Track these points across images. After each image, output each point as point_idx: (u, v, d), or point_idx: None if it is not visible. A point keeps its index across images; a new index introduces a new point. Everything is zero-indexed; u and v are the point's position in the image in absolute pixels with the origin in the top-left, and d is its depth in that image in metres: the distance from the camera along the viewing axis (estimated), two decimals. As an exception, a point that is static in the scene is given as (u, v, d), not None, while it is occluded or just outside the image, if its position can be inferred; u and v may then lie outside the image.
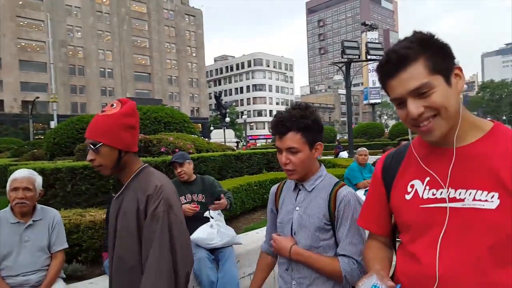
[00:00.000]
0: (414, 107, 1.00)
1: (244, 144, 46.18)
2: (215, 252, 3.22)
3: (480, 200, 0.99)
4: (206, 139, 11.89)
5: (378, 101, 53.06)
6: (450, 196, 1.04)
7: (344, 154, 14.85)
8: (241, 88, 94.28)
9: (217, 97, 35.46)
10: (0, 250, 2.43)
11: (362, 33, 52.39)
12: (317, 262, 1.52)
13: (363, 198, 1.59)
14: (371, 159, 6.74)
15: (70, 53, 57.41)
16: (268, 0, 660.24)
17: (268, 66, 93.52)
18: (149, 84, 66.58)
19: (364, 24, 48.71)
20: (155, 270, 1.39)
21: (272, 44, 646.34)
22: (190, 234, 3.14)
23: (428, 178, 1.09)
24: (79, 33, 58.61)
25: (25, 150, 16.00)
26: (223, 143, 14.97)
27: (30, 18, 53.31)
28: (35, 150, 13.21)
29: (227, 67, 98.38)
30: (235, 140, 34.10)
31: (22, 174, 2.50)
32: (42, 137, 32.43)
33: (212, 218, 3.27)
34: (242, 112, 73.36)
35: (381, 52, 16.94)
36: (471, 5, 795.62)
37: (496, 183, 0.98)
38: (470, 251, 0.99)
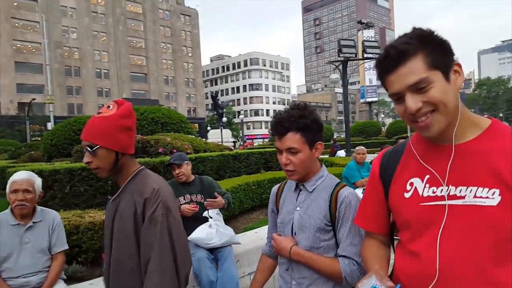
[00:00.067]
0: (412, 102, 1.00)
1: (241, 144, 46.13)
2: (214, 252, 3.23)
3: (481, 197, 0.99)
4: (204, 139, 11.88)
5: (375, 99, 53.13)
6: (450, 194, 1.04)
7: (341, 153, 14.87)
8: (238, 88, 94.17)
9: (214, 97, 35.44)
10: (0, 252, 2.43)
11: (358, 32, 52.47)
12: (317, 263, 1.52)
13: (359, 196, 1.60)
14: (369, 157, 6.76)
15: (66, 54, 57.10)
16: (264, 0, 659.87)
17: (265, 65, 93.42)
18: (145, 85, 66.38)
19: (360, 22, 48.71)
20: (158, 274, 1.38)
21: (268, 43, 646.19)
22: (189, 234, 3.16)
23: (428, 176, 1.09)
24: (75, 34, 58.31)
25: (22, 152, 15.93)
26: (220, 143, 14.97)
27: (25, 19, 52.97)
28: (33, 152, 13.17)
29: (223, 66, 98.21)
30: (232, 140, 34.09)
31: (22, 176, 2.50)
32: (39, 139, 32.28)
33: (211, 218, 3.28)
34: (239, 112, 73.32)
35: (378, 51, 16.94)
36: (468, 2, 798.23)
37: (496, 180, 0.98)
38: (471, 248, 1.00)
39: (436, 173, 1.07)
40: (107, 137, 1.44)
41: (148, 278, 1.38)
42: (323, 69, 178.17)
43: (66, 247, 2.69)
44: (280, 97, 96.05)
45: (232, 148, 12.91)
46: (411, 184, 1.12)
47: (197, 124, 58.21)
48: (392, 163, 1.22)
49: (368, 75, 52.10)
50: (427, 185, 1.09)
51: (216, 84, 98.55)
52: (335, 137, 36.12)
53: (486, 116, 1.16)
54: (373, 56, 17.58)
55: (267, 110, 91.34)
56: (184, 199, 3.42)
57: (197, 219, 3.24)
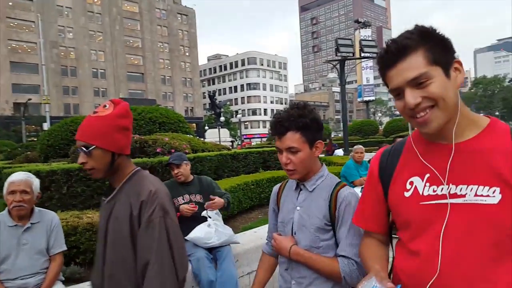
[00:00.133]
0: (412, 97, 1.00)
1: (239, 143, 46.14)
2: (213, 252, 3.23)
3: (482, 195, 0.99)
4: (201, 139, 11.85)
5: (372, 98, 53.19)
6: (451, 192, 1.04)
7: (339, 152, 14.90)
8: (235, 87, 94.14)
9: (211, 96, 35.37)
10: (-2, 253, 2.41)
11: (355, 31, 52.47)
12: (317, 263, 1.52)
13: (359, 195, 1.60)
14: (367, 156, 6.77)
15: (62, 54, 56.85)
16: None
17: (262, 64, 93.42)
18: (142, 84, 66.24)
19: (357, 21, 48.74)
20: (159, 277, 1.35)
21: (266, 42, 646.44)
22: (188, 234, 3.15)
23: (428, 175, 1.09)
24: (71, 34, 58.07)
25: (18, 153, 15.88)
26: (218, 143, 14.95)
27: (21, 19, 52.69)
28: (29, 153, 13.11)
29: (220, 66, 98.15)
30: (230, 139, 34.05)
31: (19, 177, 2.49)
32: (35, 139, 32.19)
33: (210, 217, 3.27)
34: (236, 111, 73.26)
35: (375, 50, 16.97)
36: (464, 2, 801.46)
37: (497, 178, 0.98)
38: (471, 246, 1.00)
39: (436, 171, 1.06)
40: (103, 137, 1.41)
41: (149, 281, 1.36)
42: (321, 68, 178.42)
43: (65, 248, 2.68)
44: (277, 96, 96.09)
45: (230, 147, 12.89)
46: (411, 183, 1.12)
47: (194, 124, 58.19)
48: (391, 163, 1.21)
49: (365, 74, 52.19)
50: (427, 184, 1.08)
51: (213, 83, 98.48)
52: (332, 136, 36.21)
53: (482, 114, 1.16)
54: (371, 55, 17.60)
55: (265, 110, 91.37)
56: (183, 199, 3.41)
57: (196, 219, 3.24)
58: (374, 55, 17.25)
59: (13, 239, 2.47)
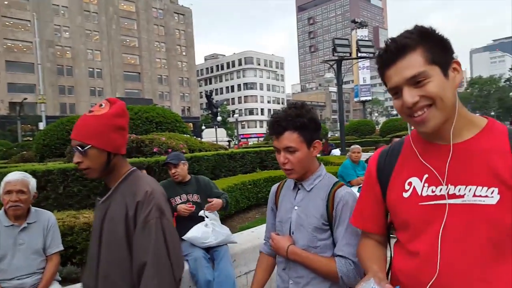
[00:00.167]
0: (409, 95, 1.00)
1: (236, 143, 46.13)
2: (210, 251, 3.22)
3: (480, 196, 1.00)
4: (198, 139, 11.85)
5: (369, 98, 53.32)
6: (449, 193, 1.04)
7: (336, 152, 14.94)
8: (232, 87, 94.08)
9: (208, 96, 35.40)
10: (-6, 254, 2.40)
11: (352, 31, 52.61)
12: (314, 263, 1.52)
13: (357, 195, 1.60)
14: (364, 156, 6.79)
15: (58, 53, 56.56)
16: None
17: (259, 64, 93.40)
18: (139, 84, 66.05)
19: (354, 21, 48.88)
20: (157, 279, 1.34)
21: (263, 42, 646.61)
22: (185, 234, 3.14)
23: (426, 175, 1.09)
24: (67, 33, 57.77)
25: (14, 152, 15.81)
26: (215, 142, 14.94)
27: (16, 18, 52.35)
28: (25, 152, 13.07)
29: (217, 65, 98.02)
30: (227, 139, 34.06)
31: (16, 176, 2.47)
32: (30, 139, 32.04)
33: (207, 217, 3.27)
34: (233, 111, 73.28)
35: (372, 50, 17.00)
36: (460, 2, 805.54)
37: (495, 179, 0.99)
38: (470, 247, 1.00)
39: (436, 172, 1.06)
40: (99, 136, 1.39)
41: (146, 282, 1.34)
42: (317, 68, 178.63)
43: (61, 248, 2.67)
44: (274, 96, 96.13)
45: (227, 147, 12.89)
46: (410, 183, 1.12)
47: (191, 124, 58.06)
48: (389, 163, 1.21)
49: (362, 74, 52.31)
50: (426, 185, 1.09)
51: (210, 83, 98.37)
52: (329, 136, 36.26)
53: (478, 114, 1.17)
54: (367, 55, 17.64)
55: (262, 109, 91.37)
56: (181, 198, 3.40)
57: (193, 219, 3.24)
58: (371, 55, 17.30)
59: (10, 239, 2.45)
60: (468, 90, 76.06)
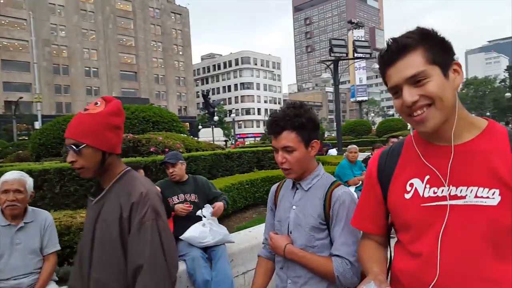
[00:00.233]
0: (409, 94, 1.01)
1: (233, 142, 46.09)
2: (207, 251, 3.21)
3: (481, 197, 1.00)
4: (195, 138, 11.83)
5: (365, 98, 53.39)
6: (451, 194, 1.04)
7: (333, 152, 14.96)
8: (229, 87, 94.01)
9: (205, 95, 35.31)
10: (-10, 253, 2.38)
11: (348, 31, 52.70)
12: (311, 262, 1.52)
13: (355, 195, 1.61)
14: (361, 156, 6.81)
15: (54, 52, 56.29)
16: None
17: (256, 64, 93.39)
18: (136, 83, 65.84)
19: (350, 22, 48.91)
20: (155, 282, 1.32)
21: (260, 42, 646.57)
22: (183, 233, 3.14)
23: (428, 177, 1.09)
24: (63, 32, 57.51)
25: (9, 152, 15.72)
26: (212, 142, 14.92)
27: (12, 16, 52.03)
28: (20, 151, 13.00)
29: (214, 65, 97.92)
30: (224, 138, 34.00)
31: (13, 176, 2.46)
32: (26, 138, 31.85)
33: (205, 217, 3.26)
34: (230, 111, 73.19)
35: (368, 50, 17.02)
36: (455, 4, 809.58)
37: (496, 180, 1.00)
38: (471, 247, 1.01)
39: (438, 173, 1.07)
40: (94, 135, 1.36)
41: (143, 285, 1.32)
42: (314, 68, 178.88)
43: (58, 247, 2.65)
44: (271, 96, 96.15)
45: (224, 147, 12.88)
46: (411, 185, 1.12)
47: (188, 123, 57.97)
48: (389, 164, 1.21)
49: (358, 74, 52.37)
50: (428, 186, 1.09)
51: (207, 82, 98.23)
52: (326, 136, 36.30)
53: (474, 115, 1.18)
54: (364, 56, 17.67)
55: (259, 109, 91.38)
56: (178, 198, 3.40)
57: (190, 218, 3.23)
58: (367, 55, 17.32)
59: (6, 238, 2.44)
60: (463, 91, 76.39)
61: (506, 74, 68.07)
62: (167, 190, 3.35)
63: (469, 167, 1.03)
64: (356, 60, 21.04)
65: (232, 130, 58.87)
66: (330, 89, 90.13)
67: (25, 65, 51.84)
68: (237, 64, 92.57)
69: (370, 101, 78.29)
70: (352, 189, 5.54)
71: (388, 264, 1.27)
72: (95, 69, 61.19)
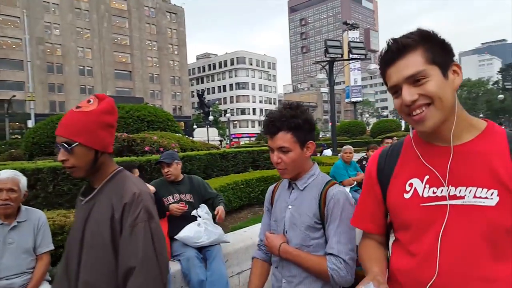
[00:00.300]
0: (408, 93, 1.02)
1: (228, 142, 46.06)
2: (202, 251, 3.20)
3: (480, 197, 1.01)
4: (190, 138, 11.80)
5: (360, 99, 53.68)
6: (450, 194, 1.05)
7: (328, 152, 15.01)
8: (224, 87, 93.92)
9: (200, 95, 35.30)
10: (-18, 253, 2.35)
11: (343, 32, 52.95)
12: (306, 261, 1.52)
13: (350, 195, 1.61)
14: (356, 156, 6.84)
15: (48, 50, 55.88)
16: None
17: (251, 64, 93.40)
18: (130, 82, 65.55)
19: (345, 23, 49.12)
20: (147, 285, 1.30)
21: (255, 42, 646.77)
22: (178, 233, 3.13)
23: (427, 177, 1.10)
24: (57, 30, 57.11)
25: (2, 150, 15.57)
26: (207, 142, 14.91)
27: (5, 14, 51.54)
28: (13, 150, 12.88)
29: (209, 65, 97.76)
30: (218, 138, 34.00)
31: (6, 175, 2.43)
32: (19, 137, 31.57)
33: (200, 217, 3.25)
34: (225, 111, 73.13)
35: (363, 51, 17.10)
36: (449, 6, 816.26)
37: (495, 181, 1.00)
38: (470, 247, 1.01)
39: (438, 173, 1.08)
40: (87, 134, 1.33)
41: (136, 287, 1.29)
42: (309, 69, 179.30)
43: (52, 247, 2.62)
44: (266, 96, 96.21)
45: (219, 147, 12.87)
46: (411, 184, 1.13)
47: (182, 123, 57.83)
48: (389, 164, 1.22)
49: (353, 75, 52.67)
50: (427, 186, 1.10)
51: (202, 82, 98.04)
52: (321, 136, 36.40)
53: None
54: (359, 57, 17.75)
55: (254, 109, 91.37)
56: (173, 198, 3.38)
57: (186, 218, 3.22)
58: (362, 56, 17.39)
59: (-1, 238, 2.41)
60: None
61: (499, 76, 68.79)
62: (163, 190, 3.34)
63: (468, 167, 1.04)
64: (351, 61, 21.12)
65: (227, 130, 58.83)
66: (325, 89, 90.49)
67: (18, 63, 51.40)
68: (232, 64, 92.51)
69: (364, 102, 78.77)
70: (347, 189, 5.56)
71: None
72: (89, 68, 60.83)
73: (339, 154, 6.84)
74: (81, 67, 59.77)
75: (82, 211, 1.41)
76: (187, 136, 11.86)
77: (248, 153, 8.36)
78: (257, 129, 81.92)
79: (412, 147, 1.16)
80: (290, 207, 1.62)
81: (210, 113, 37.06)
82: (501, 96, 44.87)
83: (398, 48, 1.03)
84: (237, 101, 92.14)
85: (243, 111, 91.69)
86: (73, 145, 1.32)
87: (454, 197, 1.04)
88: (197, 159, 6.63)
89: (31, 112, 31.31)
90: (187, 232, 3.14)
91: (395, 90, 1.06)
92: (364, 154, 7.05)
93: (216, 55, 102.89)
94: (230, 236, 3.74)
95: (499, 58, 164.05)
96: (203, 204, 3.37)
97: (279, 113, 1.56)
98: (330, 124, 19.13)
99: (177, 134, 9.28)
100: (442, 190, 1.06)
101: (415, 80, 1.01)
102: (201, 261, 3.09)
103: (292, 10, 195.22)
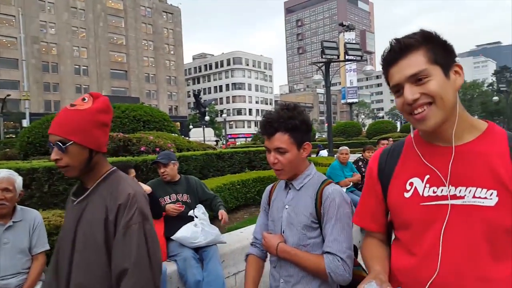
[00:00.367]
0: (410, 92, 1.03)
1: (224, 143, 46.03)
2: (199, 251, 3.20)
3: (479, 197, 1.02)
4: (186, 138, 11.78)
5: (356, 100, 53.90)
6: (450, 193, 1.06)
7: (324, 153, 15.05)
8: (220, 87, 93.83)
9: (196, 95, 35.23)
10: (-23, 253, 2.34)
11: (339, 34, 53.15)
12: (303, 260, 1.53)
13: (345, 193, 1.62)
14: (352, 157, 6.86)
15: (43, 49, 55.56)
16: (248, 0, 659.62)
17: (248, 65, 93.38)
18: (126, 82, 65.32)
19: (341, 24, 49.32)
20: (139, 286, 1.29)
21: (251, 43, 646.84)
22: (174, 234, 3.12)
23: (428, 176, 1.11)
24: (53, 29, 56.81)
25: (-4, 150, 15.41)
26: (203, 142, 14.89)
27: (0, 13, 51.16)
28: (8, 150, 12.79)
29: (206, 65, 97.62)
30: (215, 138, 33.96)
31: (1, 174, 2.42)
32: (13, 136, 31.31)
33: (197, 217, 3.25)
34: (221, 111, 73.12)
35: (359, 53, 17.20)
36: (444, 8, 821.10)
37: (495, 181, 1.01)
38: (470, 246, 1.02)
39: (439, 173, 1.08)
40: (82, 132, 1.31)
41: None
42: (305, 69, 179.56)
43: (47, 247, 2.61)
44: (263, 96, 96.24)
45: (216, 147, 12.86)
46: (411, 184, 1.14)
47: (178, 123, 57.70)
48: (390, 163, 1.23)
49: (349, 76, 52.88)
50: (427, 185, 1.11)
51: (198, 82, 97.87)
52: (317, 137, 36.46)
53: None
54: (355, 58, 17.83)
55: (250, 110, 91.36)
56: (170, 198, 3.37)
57: (182, 219, 3.22)
58: (358, 58, 17.48)
59: (-6, 238, 2.40)
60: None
61: (494, 78, 69.25)
62: (159, 190, 3.33)
63: (468, 167, 1.05)
64: (347, 62, 21.20)
65: (223, 130, 58.79)
66: (321, 90, 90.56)
67: (13, 62, 51.03)
68: (228, 64, 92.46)
69: (360, 103, 78.98)
70: (343, 190, 5.57)
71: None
72: (84, 67, 60.55)
73: (335, 155, 6.85)
74: (77, 67, 59.48)
75: (74, 211, 1.39)
76: (183, 136, 11.84)
77: (244, 153, 8.35)
78: (253, 129, 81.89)
79: (413, 147, 1.17)
80: (287, 207, 1.63)
81: (206, 113, 37.05)
82: (495, 98, 45.12)
83: (400, 48, 1.05)
84: (233, 102, 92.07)
85: (239, 112, 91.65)
86: (67, 144, 1.30)
87: (454, 197, 1.05)
88: (193, 159, 6.62)
89: (26, 111, 31.15)
90: (184, 233, 3.13)
91: (397, 89, 1.07)
92: (360, 155, 7.07)
93: (213, 55, 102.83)
94: (227, 236, 3.74)
95: (494, 60, 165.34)
96: (200, 205, 3.37)
97: (277, 114, 1.57)
98: (326, 125, 19.18)
99: (173, 134, 9.25)
100: (442, 190, 1.07)
101: (417, 79, 1.03)
102: (198, 261, 3.09)
103: (288, 11, 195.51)
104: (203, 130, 30.34)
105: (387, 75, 1.10)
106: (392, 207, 1.21)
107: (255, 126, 72.55)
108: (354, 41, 42.90)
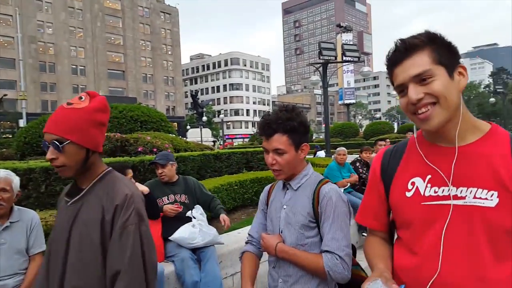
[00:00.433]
0: (414, 92, 1.04)
1: (221, 143, 45.99)
2: (197, 252, 3.20)
3: (480, 198, 1.03)
4: (183, 138, 11.77)
5: (353, 101, 54.03)
6: (452, 194, 1.07)
7: (321, 154, 15.06)
8: (218, 87, 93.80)
9: (194, 96, 35.22)
10: (-26, 254, 2.33)
11: (337, 35, 53.28)
12: (302, 259, 1.54)
13: (341, 191, 1.63)
14: (349, 158, 6.87)
15: (41, 49, 55.44)
16: (245, 0, 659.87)
17: (245, 65, 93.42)
18: (123, 82, 65.21)
19: (339, 25, 49.40)
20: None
21: (249, 43, 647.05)
22: (172, 234, 3.12)
23: (429, 176, 1.12)
24: (50, 29, 56.68)
25: (-8, 150, 15.34)
26: (200, 142, 14.88)
27: (-3, 12, 51.11)
28: (4, 150, 12.73)
29: (203, 65, 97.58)
30: (212, 139, 33.91)
31: (-1, 174, 2.41)
32: (10, 136, 31.20)
33: (195, 218, 3.25)
34: (219, 111, 73.05)
35: (357, 54, 17.24)
36: (441, 10, 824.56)
37: (496, 182, 1.02)
38: (471, 246, 1.03)
39: (442, 173, 1.09)
40: (80, 131, 1.28)
41: None
42: (303, 70, 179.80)
43: (45, 248, 2.60)
44: (260, 97, 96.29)
45: (213, 147, 12.85)
46: (413, 183, 1.15)
47: (176, 123, 57.61)
48: (392, 163, 1.24)
49: (347, 77, 53.05)
50: (429, 185, 1.11)
51: (196, 83, 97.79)
52: (314, 137, 36.49)
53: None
54: (352, 59, 17.87)
55: (247, 110, 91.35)
56: (168, 199, 3.37)
57: (180, 219, 3.22)
58: (356, 59, 17.52)
59: (-9, 238, 2.39)
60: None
61: (490, 80, 69.58)
62: (157, 191, 3.32)
63: (470, 168, 1.06)
64: (344, 64, 21.24)
65: (221, 131, 58.72)
66: (319, 91, 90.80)
67: (10, 62, 50.88)
68: (226, 64, 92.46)
69: (357, 104, 79.23)
70: (340, 191, 5.58)
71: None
72: (82, 67, 60.42)
73: (332, 156, 6.86)
74: (74, 67, 59.36)
75: (68, 211, 1.36)
76: (180, 136, 11.84)
77: (242, 154, 8.34)
78: (250, 130, 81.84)
79: (416, 147, 1.18)
80: (285, 207, 1.65)
81: (204, 113, 37.00)
82: (492, 100, 45.29)
83: (405, 48, 1.05)
84: (230, 102, 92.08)
85: (236, 112, 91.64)
86: (64, 143, 1.27)
87: (455, 197, 1.06)
88: (191, 159, 6.61)
89: (23, 111, 31.02)
90: (182, 233, 3.14)
91: (402, 89, 1.08)
92: (358, 156, 7.08)
93: (210, 55, 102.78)
94: (224, 237, 3.74)
95: (490, 62, 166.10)
96: (198, 205, 3.37)
97: (275, 115, 1.58)
98: (323, 125, 19.21)
99: (170, 135, 9.24)
100: (443, 190, 1.08)
101: (422, 79, 1.03)
102: (195, 262, 3.09)
103: (286, 12, 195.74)
104: (201, 130, 30.32)
105: (392, 75, 1.10)
106: (393, 206, 1.22)
107: (253, 126, 72.54)
108: (351, 42, 43.01)
